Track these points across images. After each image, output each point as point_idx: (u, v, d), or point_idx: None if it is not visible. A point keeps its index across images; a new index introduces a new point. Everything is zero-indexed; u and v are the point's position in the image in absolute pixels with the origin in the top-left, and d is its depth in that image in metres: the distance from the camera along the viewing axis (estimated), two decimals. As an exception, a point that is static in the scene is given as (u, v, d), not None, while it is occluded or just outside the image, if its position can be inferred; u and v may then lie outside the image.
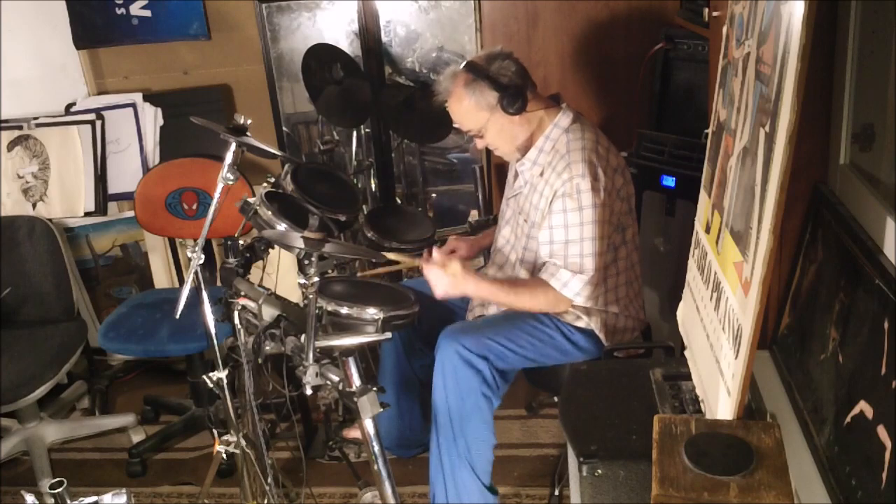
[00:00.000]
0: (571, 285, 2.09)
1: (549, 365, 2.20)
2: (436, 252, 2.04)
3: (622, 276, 2.23)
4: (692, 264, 1.74)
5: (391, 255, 2.20)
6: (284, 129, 3.21)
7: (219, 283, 2.04)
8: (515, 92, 2.08)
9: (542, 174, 2.16)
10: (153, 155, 3.24)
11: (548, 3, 3.00)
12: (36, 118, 3.16)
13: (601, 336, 2.20)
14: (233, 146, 1.92)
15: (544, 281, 2.12)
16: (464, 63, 2.16)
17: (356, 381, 1.89)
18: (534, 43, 3.03)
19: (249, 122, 1.97)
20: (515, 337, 2.14)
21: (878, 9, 1.59)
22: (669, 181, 2.62)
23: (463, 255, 2.52)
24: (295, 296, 2.13)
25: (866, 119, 1.68)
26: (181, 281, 3.19)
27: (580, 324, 2.20)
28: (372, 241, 2.50)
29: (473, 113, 2.14)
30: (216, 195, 1.92)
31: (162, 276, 3.36)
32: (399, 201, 3.29)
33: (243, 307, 1.94)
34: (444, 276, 2.06)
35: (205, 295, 1.96)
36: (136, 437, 2.91)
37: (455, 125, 2.24)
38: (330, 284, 2.08)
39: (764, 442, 1.28)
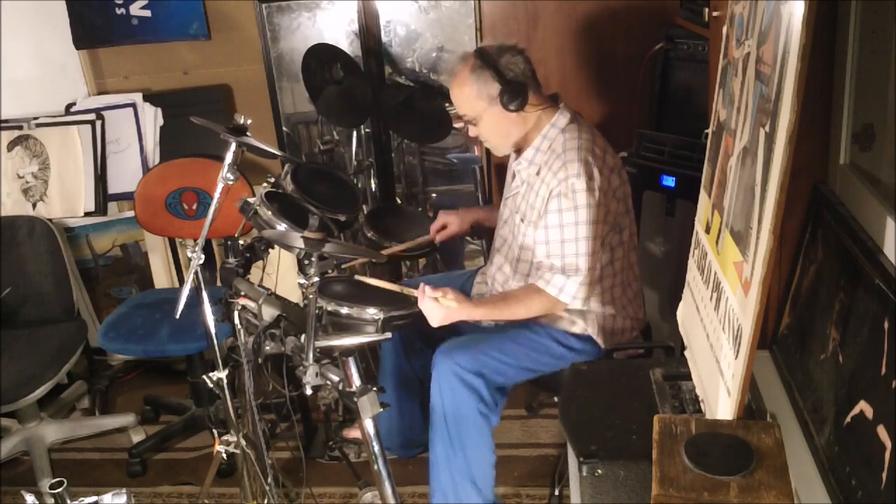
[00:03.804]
0: (567, 289, 2.09)
1: (547, 372, 2.20)
2: (429, 288, 2.03)
3: (619, 276, 2.23)
4: (692, 264, 1.74)
5: (381, 284, 2.15)
6: (284, 129, 3.20)
7: (219, 283, 2.04)
8: (517, 89, 2.08)
9: (538, 173, 2.16)
10: (153, 155, 3.24)
11: (548, 3, 3.00)
12: (36, 118, 3.16)
13: (598, 340, 2.20)
14: (233, 146, 1.92)
15: (539, 288, 2.11)
16: (476, 48, 2.16)
17: (356, 381, 1.89)
18: (534, 43, 3.03)
19: (249, 122, 1.97)
20: (510, 350, 2.14)
21: (878, 9, 1.59)
22: (669, 181, 2.62)
23: (455, 230, 2.52)
24: (295, 296, 2.13)
25: (866, 119, 1.68)
26: (181, 281, 3.19)
27: (576, 329, 2.20)
28: (372, 241, 2.50)
29: (473, 100, 2.13)
30: (216, 195, 1.92)
31: (162, 276, 3.36)
32: (399, 201, 3.28)
33: (243, 307, 1.94)
34: (439, 309, 2.04)
35: (205, 295, 1.96)
36: (136, 437, 2.91)
37: (451, 111, 2.23)
38: (330, 284, 2.08)
39: (764, 442, 1.28)
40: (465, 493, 2.15)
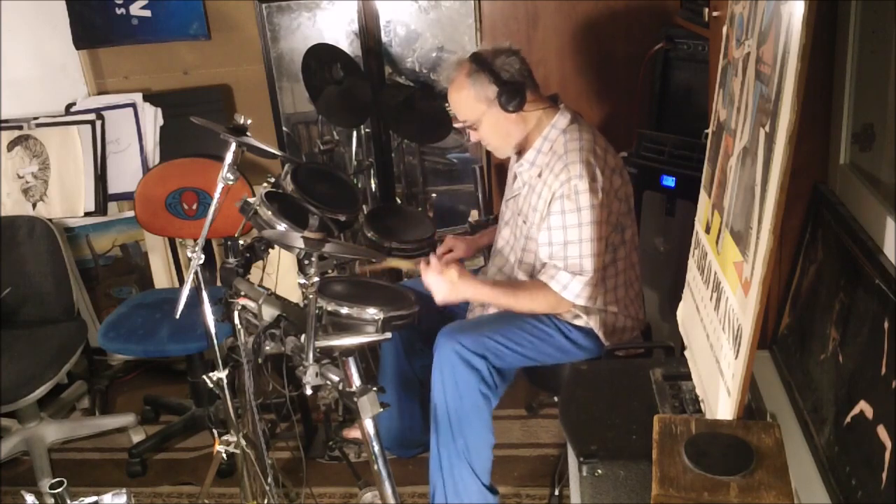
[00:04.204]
0: (572, 287, 2.09)
1: (548, 364, 2.20)
2: (433, 259, 2.04)
3: (621, 276, 2.23)
4: (692, 264, 1.74)
5: (391, 262, 2.18)
6: (284, 129, 3.21)
7: (219, 283, 2.04)
8: (515, 89, 2.08)
9: (539, 175, 2.16)
10: (153, 155, 3.24)
11: (548, 3, 3.00)
12: (36, 118, 3.16)
13: (600, 335, 2.20)
14: (233, 146, 1.92)
15: (544, 283, 2.12)
16: (470, 53, 2.17)
17: (356, 381, 1.89)
18: (534, 43, 3.03)
19: (249, 122, 1.97)
20: (514, 335, 2.14)
21: (878, 9, 1.59)
22: (669, 181, 2.62)
23: (460, 254, 2.52)
24: (295, 296, 2.13)
25: (866, 119, 1.68)
26: (181, 281, 3.19)
27: (579, 322, 2.20)
28: (372, 241, 2.50)
29: (471, 104, 2.14)
30: (216, 195, 1.92)
31: (162, 276, 3.36)
32: (399, 201, 3.29)
33: (243, 307, 1.94)
34: (442, 283, 2.06)
35: (205, 295, 1.95)
36: (136, 437, 2.91)
37: (450, 112, 2.23)
38: (330, 284, 2.08)
39: (764, 442, 1.28)
40: (462, 475, 2.15)
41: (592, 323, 2.20)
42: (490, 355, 2.10)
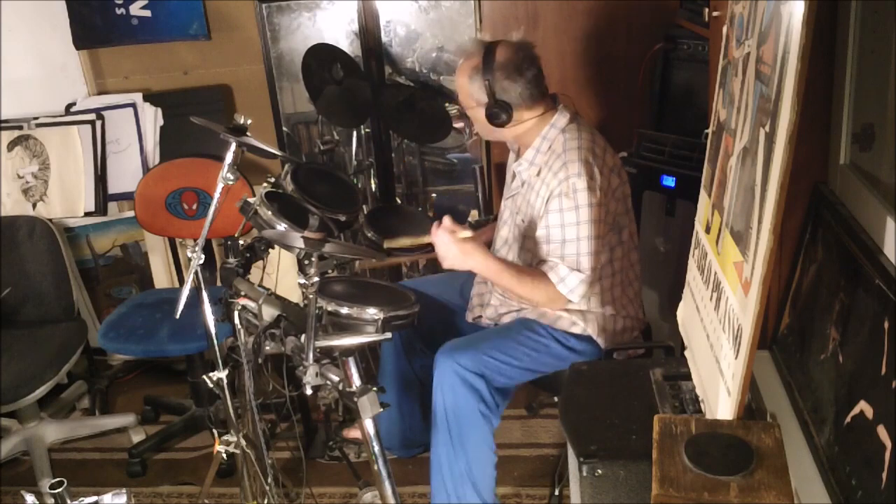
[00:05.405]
0: (568, 281, 2.09)
1: (548, 373, 2.20)
2: (446, 219, 2.04)
3: (618, 276, 2.23)
4: (692, 264, 1.74)
5: (400, 242, 2.16)
6: (284, 129, 3.20)
7: (219, 283, 2.04)
8: (502, 110, 2.11)
9: (538, 174, 2.17)
10: (153, 155, 3.24)
11: (548, 3, 3.00)
12: (36, 118, 3.16)
13: (599, 340, 2.20)
14: (233, 146, 1.92)
15: (544, 273, 2.11)
16: (487, 45, 2.14)
17: (356, 381, 1.89)
18: (534, 43, 3.03)
19: (249, 122, 1.97)
20: (511, 350, 2.14)
21: (878, 9, 1.58)
22: (669, 181, 2.62)
23: None
24: (295, 296, 2.13)
25: (866, 119, 1.68)
26: (181, 281, 3.19)
27: (576, 330, 2.20)
28: (372, 241, 2.50)
29: (465, 96, 2.19)
30: (216, 195, 1.93)
31: (162, 276, 3.36)
32: (399, 201, 3.28)
33: (243, 307, 1.93)
34: (452, 245, 2.04)
35: (205, 295, 1.96)
36: (136, 437, 2.92)
37: (451, 112, 2.25)
38: (330, 284, 2.08)
39: (764, 442, 1.28)
40: (465, 493, 2.15)
41: (590, 329, 2.19)
42: (489, 373, 2.09)
